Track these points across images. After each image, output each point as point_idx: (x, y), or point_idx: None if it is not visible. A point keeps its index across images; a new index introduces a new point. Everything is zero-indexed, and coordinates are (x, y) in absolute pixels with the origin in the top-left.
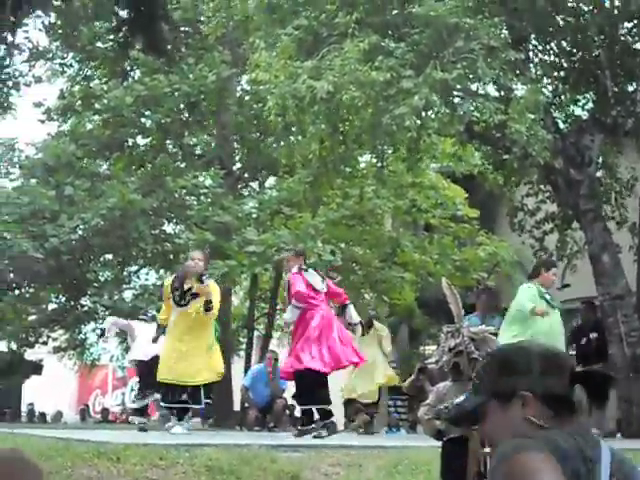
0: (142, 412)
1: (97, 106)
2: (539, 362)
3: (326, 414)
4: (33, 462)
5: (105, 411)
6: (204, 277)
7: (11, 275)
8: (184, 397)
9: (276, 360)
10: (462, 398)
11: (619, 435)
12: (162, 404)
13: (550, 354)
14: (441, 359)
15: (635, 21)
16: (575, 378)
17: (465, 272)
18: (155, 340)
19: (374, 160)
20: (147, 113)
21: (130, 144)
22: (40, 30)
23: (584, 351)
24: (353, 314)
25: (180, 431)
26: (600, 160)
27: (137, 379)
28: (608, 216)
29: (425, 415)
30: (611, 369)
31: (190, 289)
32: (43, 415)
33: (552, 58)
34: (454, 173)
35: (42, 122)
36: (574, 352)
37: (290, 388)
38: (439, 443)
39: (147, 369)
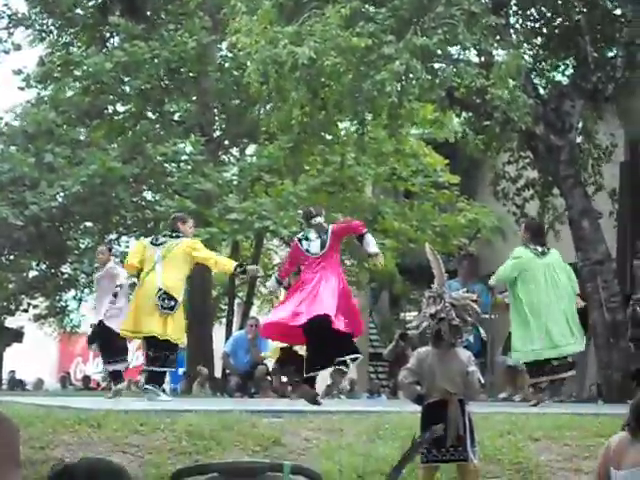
0: (117, 377)
1: (77, 73)
2: None
3: None
4: (6, 416)
5: (86, 379)
6: None
7: None
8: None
9: (257, 327)
10: None
11: (600, 401)
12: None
13: None
14: (421, 325)
15: None
16: None
17: (446, 238)
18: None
19: (355, 127)
20: (127, 80)
21: (110, 111)
22: None
23: None
24: (370, 243)
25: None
26: (580, 126)
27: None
28: (587, 182)
29: (405, 379)
30: (591, 334)
31: None
32: (22, 382)
33: (532, 24)
34: (435, 140)
35: (22, 89)
36: None
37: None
38: (419, 408)
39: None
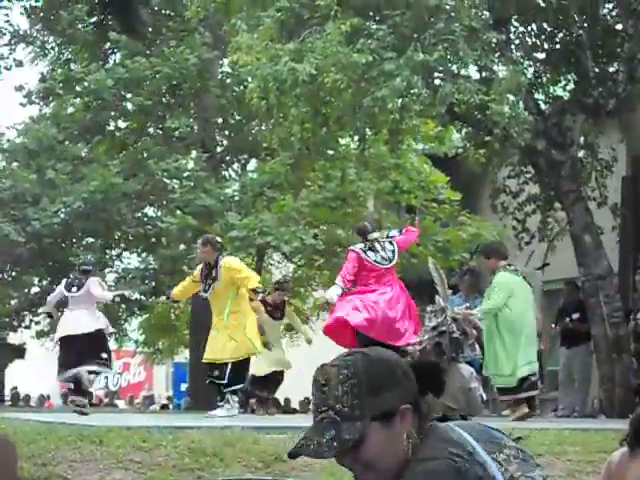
0: (78, 390)
1: (78, 89)
2: (400, 370)
3: None
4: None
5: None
6: (219, 259)
7: None
8: (215, 373)
9: None
10: (326, 437)
11: (602, 416)
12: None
13: (396, 359)
14: (423, 338)
15: (616, 2)
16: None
17: (447, 253)
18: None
19: (356, 142)
20: (128, 96)
21: (111, 127)
22: (21, 14)
23: (567, 331)
24: None
25: (221, 414)
26: (581, 141)
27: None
28: (589, 196)
29: None
30: (594, 349)
31: (210, 274)
32: (27, 398)
33: (533, 39)
34: (436, 155)
35: (23, 105)
36: (557, 331)
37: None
38: None
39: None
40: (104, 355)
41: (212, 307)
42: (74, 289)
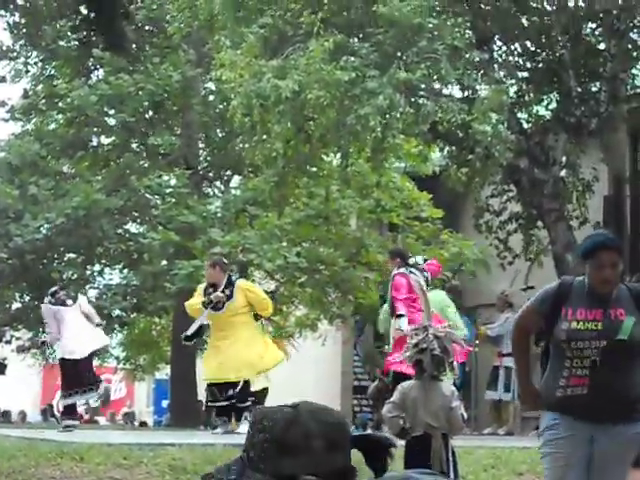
0: (71, 412)
1: (61, 105)
2: (321, 437)
3: None
4: None
5: None
6: (232, 279)
7: None
8: (230, 393)
9: None
10: (231, 476)
11: None
12: (209, 404)
13: (330, 421)
14: (405, 355)
15: (599, 21)
16: (355, 443)
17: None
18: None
19: (339, 160)
20: (111, 112)
21: (94, 143)
22: (4, 29)
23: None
24: None
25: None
26: (563, 160)
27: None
28: (571, 215)
29: (389, 413)
30: None
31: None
32: (8, 414)
33: (516, 58)
34: (418, 174)
35: (6, 121)
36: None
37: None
38: (403, 442)
39: (72, 368)
40: (96, 377)
41: (215, 326)
42: (70, 302)
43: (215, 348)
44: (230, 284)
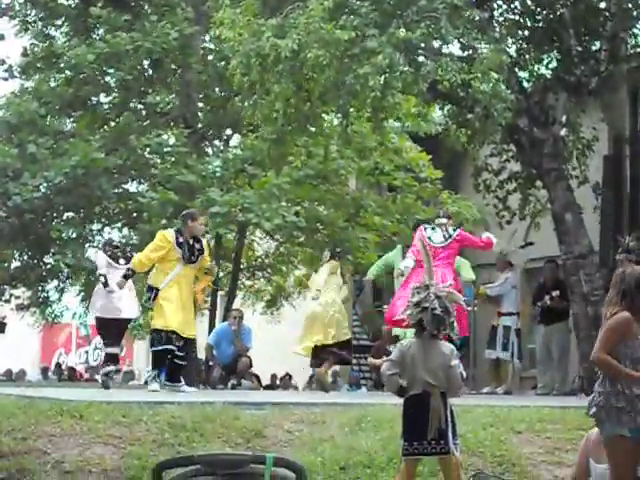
0: (113, 359)
1: (60, 64)
2: None
3: None
4: None
5: (71, 370)
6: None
7: None
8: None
9: (241, 318)
10: None
11: (582, 394)
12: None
13: None
14: (406, 313)
15: None
16: None
17: None
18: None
19: (339, 120)
20: (110, 71)
21: (93, 102)
22: None
23: (545, 309)
24: None
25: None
26: (563, 119)
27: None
28: (570, 175)
29: (387, 371)
30: (574, 328)
31: (200, 248)
32: (9, 372)
33: (516, 17)
34: (417, 133)
35: (5, 79)
36: (537, 310)
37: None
38: (401, 400)
39: (116, 327)
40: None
41: (180, 281)
42: (122, 262)
43: (177, 300)
44: (198, 239)
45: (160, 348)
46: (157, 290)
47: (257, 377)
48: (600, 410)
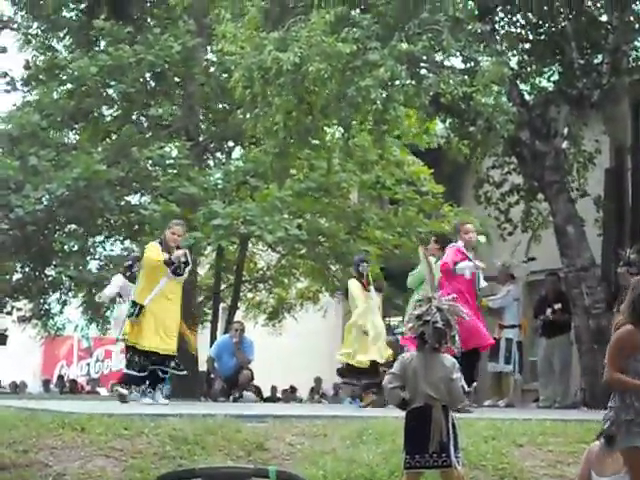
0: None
1: (62, 76)
2: None
3: None
4: None
5: (72, 382)
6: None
7: None
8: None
9: (242, 331)
10: None
11: (584, 407)
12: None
13: None
14: (407, 326)
15: None
16: None
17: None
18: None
19: (341, 133)
20: (112, 83)
21: (95, 114)
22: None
23: (548, 322)
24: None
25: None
26: (565, 132)
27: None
28: (572, 188)
29: (389, 384)
30: (575, 341)
31: (185, 260)
32: (14, 384)
33: (518, 30)
34: (418, 147)
35: (7, 92)
36: (539, 323)
37: (257, 359)
38: (403, 413)
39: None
40: None
41: (166, 295)
42: None
43: (156, 313)
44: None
45: (132, 374)
46: (142, 307)
47: (258, 389)
48: (612, 425)
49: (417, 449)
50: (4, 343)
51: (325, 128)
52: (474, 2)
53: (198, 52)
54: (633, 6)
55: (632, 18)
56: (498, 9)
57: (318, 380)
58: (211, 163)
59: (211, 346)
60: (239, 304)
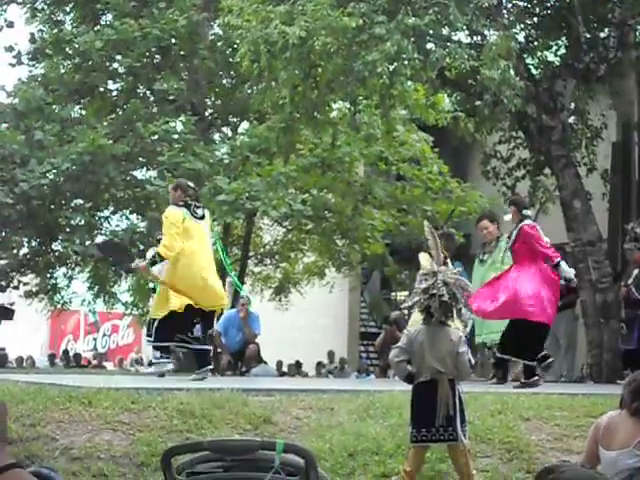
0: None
1: (68, 51)
2: None
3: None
4: None
5: (78, 356)
6: None
7: None
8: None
9: (248, 305)
10: None
11: (590, 381)
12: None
13: None
14: (413, 300)
15: None
16: None
17: (435, 222)
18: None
19: (346, 107)
20: (118, 58)
21: (101, 89)
22: None
23: None
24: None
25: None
26: (572, 106)
27: None
28: (579, 162)
29: (396, 357)
30: (582, 315)
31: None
32: (20, 359)
33: (525, 4)
34: (424, 123)
35: (13, 66)
36: None
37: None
38: (409, 387)
39: None
40: None
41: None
42: None
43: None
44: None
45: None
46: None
47: (280, 363)
48: None
49: (424, 423)
50: (11, 318)
51: (331, 103)
52: None
53: (204, 27)
54: None
55: None
56: None
57: (331, 353)
58: (216, 138)
59: (218, 320)
60: (245, 279)
